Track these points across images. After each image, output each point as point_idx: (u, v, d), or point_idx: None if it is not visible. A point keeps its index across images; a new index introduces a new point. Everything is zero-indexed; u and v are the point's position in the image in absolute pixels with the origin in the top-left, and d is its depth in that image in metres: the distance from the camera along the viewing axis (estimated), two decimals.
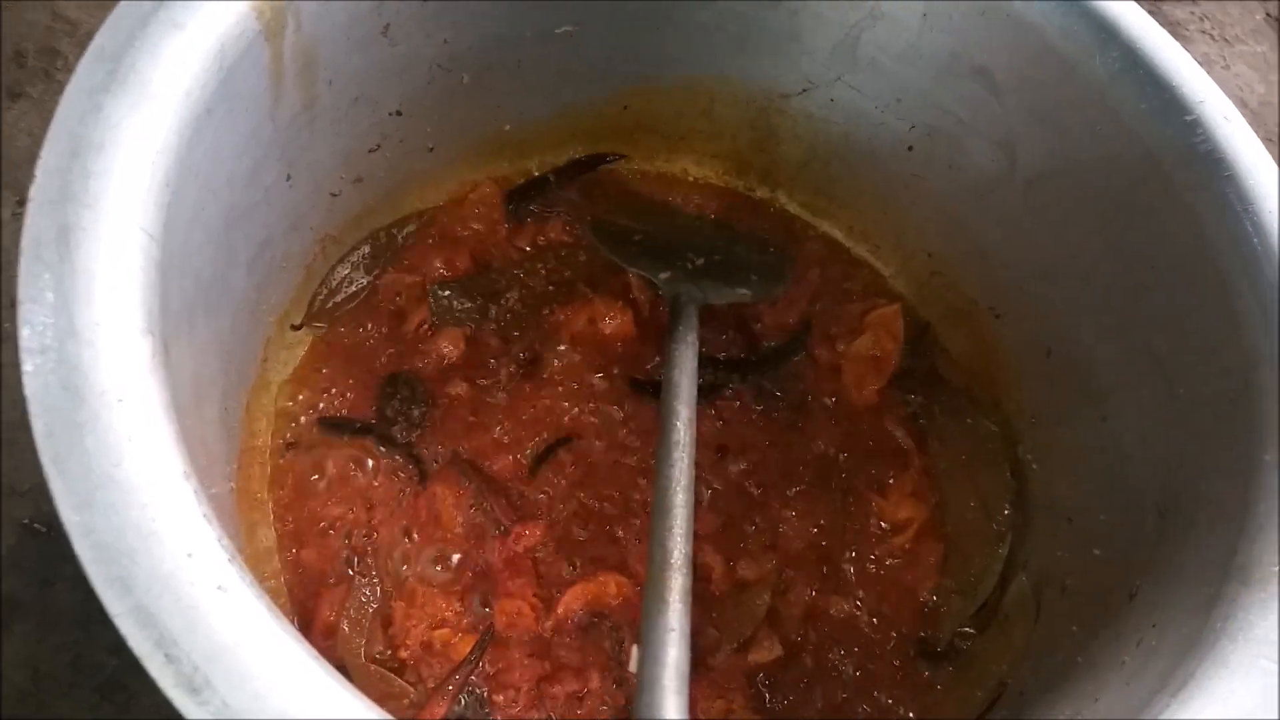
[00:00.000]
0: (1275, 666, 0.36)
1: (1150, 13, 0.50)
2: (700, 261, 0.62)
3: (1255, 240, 0.44)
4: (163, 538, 0.30)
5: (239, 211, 0.45)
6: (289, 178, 0.49)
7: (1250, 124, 1.16)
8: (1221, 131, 0.47)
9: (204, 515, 0.31)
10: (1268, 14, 1.08)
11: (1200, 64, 1.14)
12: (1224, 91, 1.15)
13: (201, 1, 0.39)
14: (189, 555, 0.30)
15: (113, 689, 0.55)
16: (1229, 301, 0.44)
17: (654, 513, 0.44)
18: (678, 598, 0.40)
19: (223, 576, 0.30)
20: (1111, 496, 0.51)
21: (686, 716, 0.35)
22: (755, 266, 0.63)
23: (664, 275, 0.59)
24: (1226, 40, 1.09)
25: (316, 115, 0.49)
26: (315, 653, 0.30)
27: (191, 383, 0.40)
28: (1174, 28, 1.05)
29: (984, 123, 0.56)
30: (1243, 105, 1.06)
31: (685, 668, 0.37)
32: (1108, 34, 0.50)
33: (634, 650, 0.37)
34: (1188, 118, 0.48)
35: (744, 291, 0.61)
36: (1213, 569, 0.40)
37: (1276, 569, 0.38)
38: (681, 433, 0.48)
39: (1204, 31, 1.06)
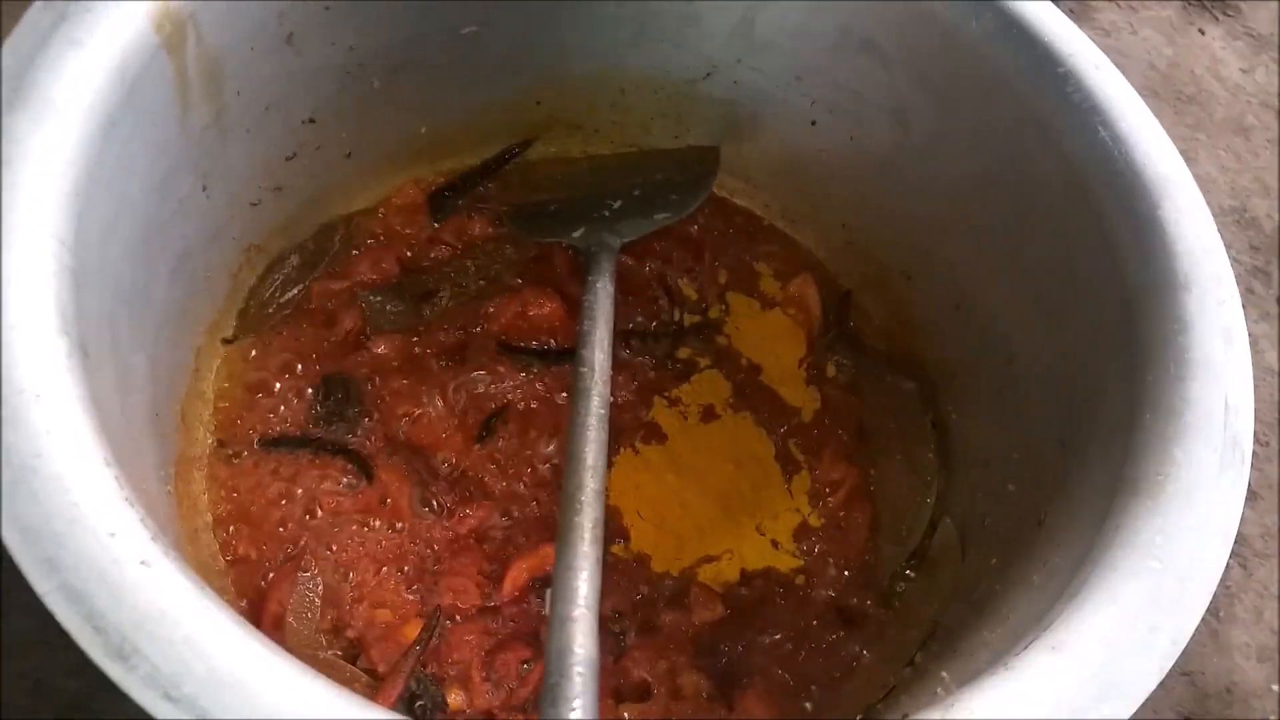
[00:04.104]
0: (1160, 565, 0.38)
1: None
2: (618, 204, 0.63)
3: (1128, 176, 0.47)
4: (85, 520, 0.31)
5: (155, 222, 0.46)
6: (205, 188, 0.50)
7: (1159, 86, 1.18)
8: (1093, 79, 0.50)
9: (125, 499, 0.32)
10: None
11: (1108, 30, 1.17)
12: (1133, 55, 1.17)
13: (101, 18, 0.41)
14: (112, 535, 0.31)
15: (74, 711, 0.55)
16: (1106, 237, 0.47)
17: (566, 457, 0.45)
18: (587, 534, 0.41)
19: (146, 553, 0.31)
20: (1020, 435, 0.53)
21: (596, 650, 0.36)
22: (677, 186, 0.65)
23: (577, 234, 0.61)
24: (1133, 7, 1.13)
25: (228, 125, 0.50)
26: (241, 619, 0.31)
27: (117, 386, 0.41)
28: None
29: (877, 94, 0.58)
30: (1151, 68, 1.10)
31: (595, 600, 0.38)
32: None
33: (548, 594, 0.38)
34: (1060, 70, 0.50)
35: (663, 215, 0.63)
36: (1106, 486, 0.42)
37: (1160, 477, 0.40)
38: (588, 379, 0.49)
39: None
